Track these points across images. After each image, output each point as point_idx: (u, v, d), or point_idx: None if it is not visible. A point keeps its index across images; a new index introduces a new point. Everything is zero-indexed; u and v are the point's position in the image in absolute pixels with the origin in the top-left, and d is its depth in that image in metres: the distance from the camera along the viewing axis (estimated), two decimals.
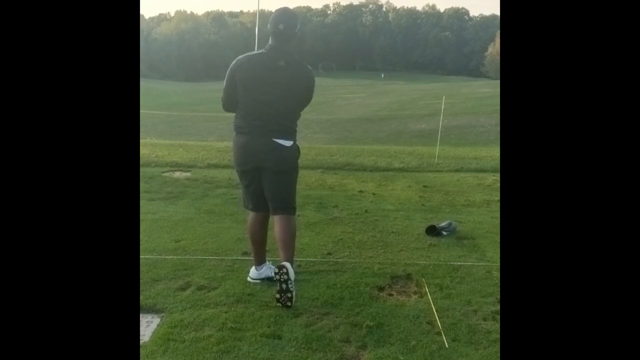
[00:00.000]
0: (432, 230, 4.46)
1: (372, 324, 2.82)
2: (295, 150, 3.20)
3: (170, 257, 3.76)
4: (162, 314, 2.92)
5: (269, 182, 3.18)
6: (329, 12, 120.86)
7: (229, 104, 3.23)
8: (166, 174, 7.00)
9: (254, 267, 3.42)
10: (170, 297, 3.12)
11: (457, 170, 7.87)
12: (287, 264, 2.98)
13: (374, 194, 6.16)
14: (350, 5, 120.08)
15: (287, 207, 3.22)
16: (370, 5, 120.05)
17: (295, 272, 3.50)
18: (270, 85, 3.05)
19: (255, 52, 3.18)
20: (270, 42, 3.09)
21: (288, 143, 3.13)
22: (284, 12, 3.10)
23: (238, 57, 3.17)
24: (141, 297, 3.03)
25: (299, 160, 3.30)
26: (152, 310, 2.97)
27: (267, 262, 3.48)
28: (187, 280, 3.36)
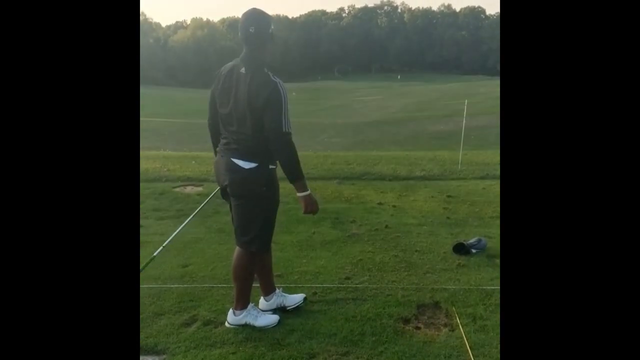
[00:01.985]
0: (460, 248, 4.10)
1: None
2: (258, 174, 2.70)
3: (176, 285, 3.48)
4: (164, 356, 2.64)
5: (232, 205, 2.87)
6: (344, 15, 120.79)
7: (209, 119, 2.90)
8: (177, 190, 6.75)
9: (262, 298, 3.12)
10: (173, 335, 2.83)
11: (482, 178, 7.46)
12: (227, 321, 2.92)
13: (394, 206, 5.81)
14: (365, 8, 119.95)
15: (240, 238, 2.84)
16: (385, 7, 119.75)
17: (310, 301, 3.20)
18: (231, 97, 2.69)
19: (233, 61, 2.80)
20: (243, 49, 2.72)
21: (248, 165, 2.68)
22: (252, 14, 2.69)
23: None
24: (142, 336, 2.77)
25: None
26: (153, 351, 2.69)
27: (278, 290, 3.17)
28: (192, 314, 3.07)
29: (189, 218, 3.45)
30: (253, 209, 2.77)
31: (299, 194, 2.72)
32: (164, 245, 3.19)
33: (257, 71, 2.63)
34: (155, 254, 3.24)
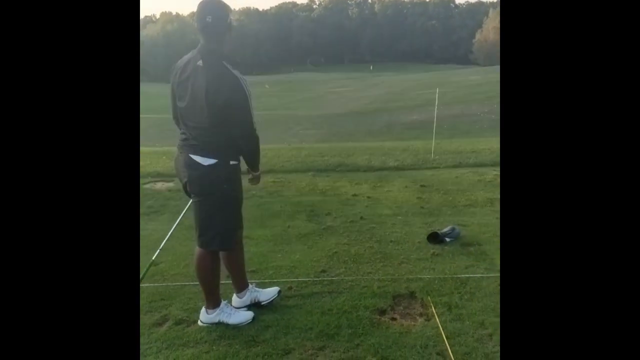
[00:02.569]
0: (435, 238, 4.10)
1: (374, 359, 2.46)
2: (218, 170, 2.60)
3: (147, 284, 3.38)
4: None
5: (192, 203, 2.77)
6: (314, 6, 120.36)
7: (173, 115, 2.79)
8: (147, 186, 6.59)
9: (235, 295, 3.06)
10: (144, 335, 2.74)
11: (455, 166, 7.50)
12: (200, 319, 2.86)
13: (369, 197, 5.79)
14: None
15: (199, 237, 2.74)
16: None
17: (285, 296, 3.16)
18: (187, 90, 2.58)
19: (190, 53, 2.69)
20: (200, 40, 2.61)
21: (207, 161, 2.57)
22: (209, 3, 2.57)
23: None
24: None
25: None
26: None
27: (251, 285, 3.11)
28: (164, 313, 2.99)
29: (181, 215, 3.37)
30: (212, 207, 2.67)
31: (253, 173, 2.97)
32: (160, 247, 3.15)
33: (215, 64, 2.53)
34: (153, 257, 3.16)
